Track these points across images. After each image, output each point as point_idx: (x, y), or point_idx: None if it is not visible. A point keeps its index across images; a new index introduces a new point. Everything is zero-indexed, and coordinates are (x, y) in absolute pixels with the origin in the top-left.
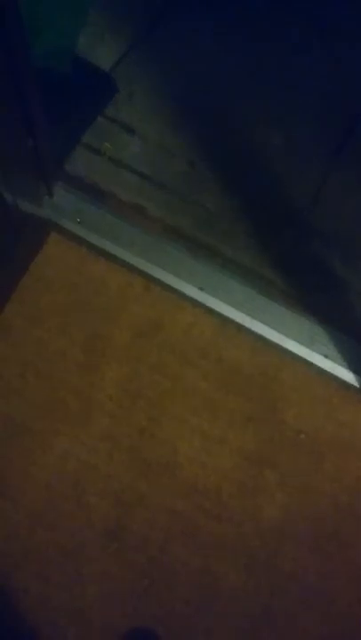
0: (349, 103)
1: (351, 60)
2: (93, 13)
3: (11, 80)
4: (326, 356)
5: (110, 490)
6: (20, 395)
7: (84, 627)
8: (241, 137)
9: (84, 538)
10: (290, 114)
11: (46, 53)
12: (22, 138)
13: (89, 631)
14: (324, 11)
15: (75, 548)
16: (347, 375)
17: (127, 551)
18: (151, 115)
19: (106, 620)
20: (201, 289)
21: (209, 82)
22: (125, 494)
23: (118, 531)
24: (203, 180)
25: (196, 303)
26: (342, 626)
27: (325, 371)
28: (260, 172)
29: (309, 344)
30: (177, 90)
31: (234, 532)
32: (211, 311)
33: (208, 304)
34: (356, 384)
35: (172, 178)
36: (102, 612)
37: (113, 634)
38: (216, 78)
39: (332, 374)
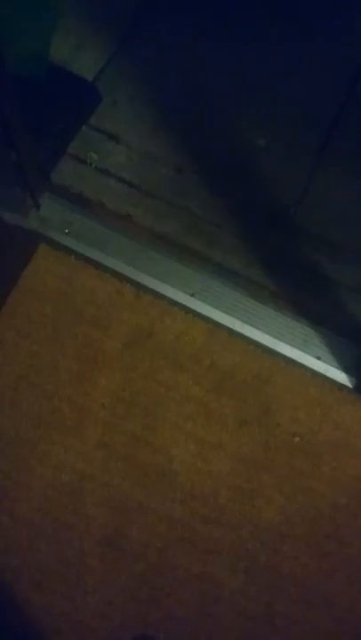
0: (332, 101)
1: (333, 58)
2: (73, 23)
3: None
4: (319, 358)
5: (107, 498)
6: (14, 406)
7: (87, 636)
8: (226, 139)
9: (83, 547)
10: (273, 114)
11: (18, 59)
12: (4, 152)
13: None
14: (305, 9)
15: (74, 557)
16: (340, 376)
17: (126, 559)
18: (135, 122)
19: (107, 629)
20: (192, 295)
21: (191, 86)
22: (122, 502)
23: (117, 539)
24: (189, 185)
25: (186, 309)
26: (344, 626)
27: (319, 372)
28: (246, 174)
29: (302, 346)
30: (160, 95)
31: (232, 536)
32: (202, 317)
33: (199, 310)
34: (349, 385)
35: (158, 184)
36: (104, 620)
37: None
38: (198, 82)
39: (325, 376)
